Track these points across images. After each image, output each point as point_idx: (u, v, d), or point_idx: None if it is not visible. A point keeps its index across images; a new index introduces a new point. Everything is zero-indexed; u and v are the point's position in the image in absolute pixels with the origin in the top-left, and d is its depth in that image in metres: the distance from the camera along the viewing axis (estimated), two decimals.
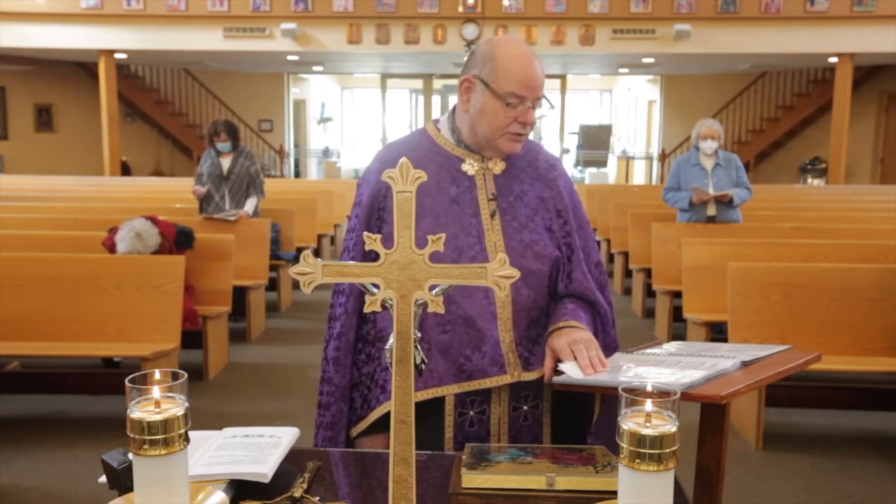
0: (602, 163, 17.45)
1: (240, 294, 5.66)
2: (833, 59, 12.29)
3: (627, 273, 6.82)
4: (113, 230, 4.87)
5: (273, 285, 6.68)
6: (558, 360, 1.57)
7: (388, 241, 1.09)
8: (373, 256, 1.14)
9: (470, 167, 1.71)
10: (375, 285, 1.10)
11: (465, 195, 1.69)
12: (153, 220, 4.86)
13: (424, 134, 1.77)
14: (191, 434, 1.07)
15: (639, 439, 1.00)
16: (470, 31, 11.72)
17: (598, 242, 7.97)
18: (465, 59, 1.72)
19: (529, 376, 1.63)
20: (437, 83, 16.60)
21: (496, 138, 1.66)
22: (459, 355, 1.61)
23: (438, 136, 1.75)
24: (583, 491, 1.27)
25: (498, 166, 1.73)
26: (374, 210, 1.69)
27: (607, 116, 20.17)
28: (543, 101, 1.68)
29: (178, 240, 4.90)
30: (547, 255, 1.69)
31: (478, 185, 1.70)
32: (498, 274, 1.09)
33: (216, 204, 6.20)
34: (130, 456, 1.09)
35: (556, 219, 1.73)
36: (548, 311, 1.70)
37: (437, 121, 1.79)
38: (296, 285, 7.04)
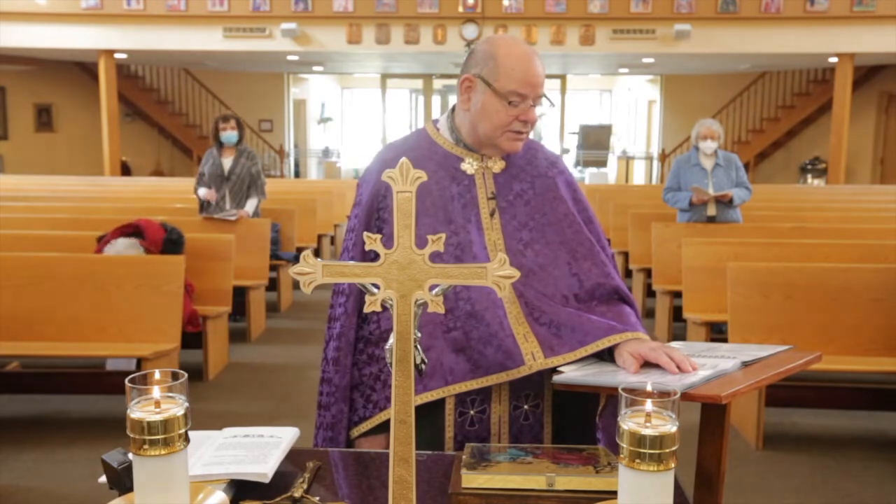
0: (602, 163, 17.45)
1: (240, 294, 5.66)
2: (833, 59, 12.29)
3: (627, 273, 6.82)
4: (102, 240, 4.85)
5: (273, 285, 6.68)
6: (647, 364, 1.51)
7: (388, 241, 1.09)
8: (372, 256, 1.14)
9: (469, 166, 1.71)
10: (375, 285, 1.10)
11: (465, 194, 1.69)
12: (139, 231, 4.83)
13: (424, 134, 1.77)
14: (191, 434, 1.07)
15: (639, 439, 0.99)
16: (470, 31, 11.73)
17: None
18: (465, 58, 1.72)
19: (551, 363, 1.57)
20: (437, 83, 16.60)
21: (497, 137, 1.66)
22: (474, 351, 1.60)
23: (438, 136, 1.75)
24: (583, 491, 1.26)
25: (497, 165, 1.73)
26: (374, 210, 1.69)
27: (607, 116, 20.16)
28: (544, 99, 1.68)
29: (164, 248, 4.85)
30: (547, 254, 1.69)
31: (477, 183, 1.70)
32: (498, 274, 1.09)
33: (217, 204, 6.20)
34: (130, 456, 1.09)
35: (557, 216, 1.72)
36: (560, 303, 1.66)
37: (436, 121, 1.79)
38: (296, 285, 7.03)
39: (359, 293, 1.65)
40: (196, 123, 15.91)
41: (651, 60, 13.34)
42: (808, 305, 4.00)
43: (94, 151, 14.14)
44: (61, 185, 9.48)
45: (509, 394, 1.65)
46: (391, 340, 1.11)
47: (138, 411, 1.02)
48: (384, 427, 1.64)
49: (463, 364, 1.60)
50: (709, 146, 5.64)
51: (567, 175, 1.80)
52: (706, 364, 1.44)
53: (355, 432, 1.69)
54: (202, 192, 6.23)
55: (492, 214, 1.68)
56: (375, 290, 1.10)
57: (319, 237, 8.14)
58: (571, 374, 1.52)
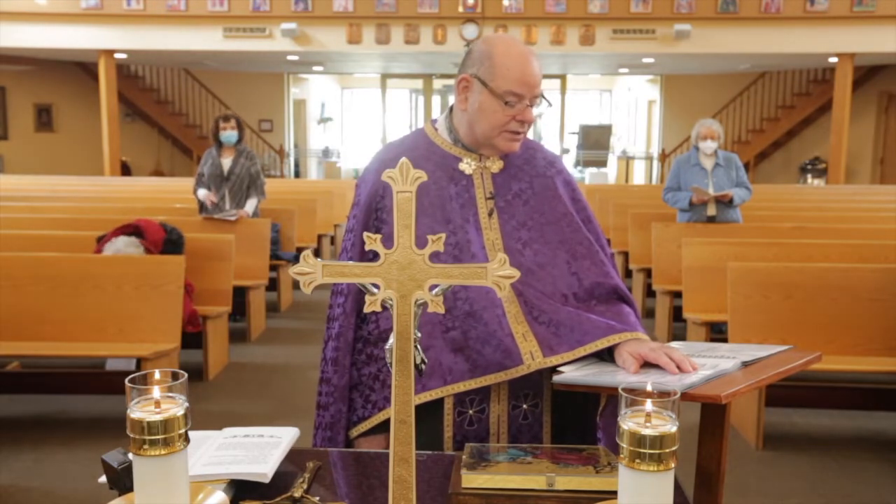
0: (602, 163, 17.45)
1: (240, 294, 5.66)
2: (833, 59, 12.29)
3: (627, 273, 6.82)
4: (102, 240, 4.84)
5: (273, 285, 6.68)
6: (646, 364, 1.50)
7: (387, 242, 1.09)
8: (370, 256, 1.14)
9: (467, 166, 1.71)
10: (375, 285, 1.10)
11: (464, 194, 1.69)
12: (139, 231, 4.82)
13: (422, 134, 1.77)
14: (191, 434, 1.07)
15: (639, 439, 1.00)
16: (470, 31, 11.73)
17: None
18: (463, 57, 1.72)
19: (549, 362, 1.57)
20: (437, 83, 16.59)
21: (495, 136, 1.66)
22: (473, 351, 1.60)
23: (436, 136, 1.75)
24: (583, 491, 1.26)
25: (496, 165, 1.73)
26: (372, 210, 1.69)
27: (607, 116, 20.16)
28: (542, 99, 1.68)
29: (164, 249, 4.85)
30: (546, 253, 1.69)
31: (475, 183, 1.70)
32: (498, 274, 1.09)
33: (216, 204, 6.20)
34: (130, 456, 1.09)
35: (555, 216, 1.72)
36: (560, 302, 1.66)
37: (434, 121, 1.78)
38: (296, 285, 7.03)
39: (357, 293, 1.65)
40: (196, 123, 15.91)
41: (651, 60, 13.33)
42: (808, 305, 4.00)
43: (94, 151, 14.13)
44: (61, 185, 9.48)
45: (508, 393, 1.65)
46: (391, 340, 1.11)
47: (138, 411, 1.02)
48: (383, 427, 1.64)
49: (462, 364, 1.60)
50: (709, 146, 5.64)
51: (565, 175, 1.80)
52: (706, 364, 1.44)
53: (354, 432, 1.69)
54: (202, 193, 6.23)
55: (490, 214, 1.68)
56: (375, 290, 1.10)
57: (319, 237, 8.14)
58: (571, 374, 1.52)
